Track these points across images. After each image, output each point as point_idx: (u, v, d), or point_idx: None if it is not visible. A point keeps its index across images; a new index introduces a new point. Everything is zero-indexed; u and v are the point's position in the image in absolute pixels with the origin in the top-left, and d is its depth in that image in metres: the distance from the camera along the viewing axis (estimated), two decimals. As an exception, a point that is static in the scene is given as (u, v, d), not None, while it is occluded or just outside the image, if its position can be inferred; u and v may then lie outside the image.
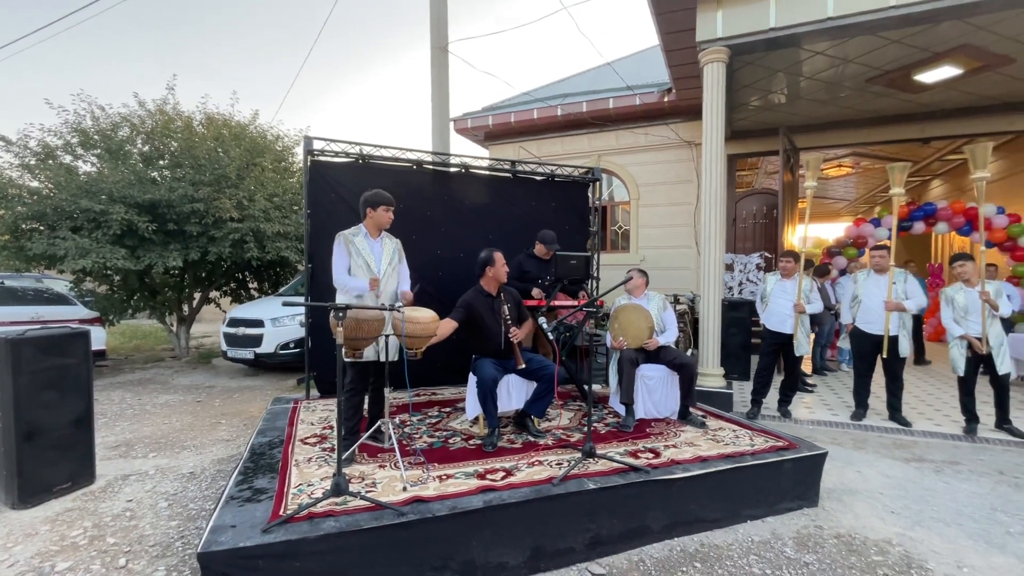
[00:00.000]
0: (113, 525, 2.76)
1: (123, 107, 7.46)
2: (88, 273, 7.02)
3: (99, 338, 7.04)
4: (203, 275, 8.04)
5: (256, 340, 6.64)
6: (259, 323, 6.68)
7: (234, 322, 6.85)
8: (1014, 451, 4.03)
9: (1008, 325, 5.77)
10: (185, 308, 8.55)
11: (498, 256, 3.43)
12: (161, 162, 7.39)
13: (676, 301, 4.93)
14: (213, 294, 8.86)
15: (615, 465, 2.74)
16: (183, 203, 6.68)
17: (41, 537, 2.62)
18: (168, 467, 3.63)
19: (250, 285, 9.21)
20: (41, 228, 6.74)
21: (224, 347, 6.89)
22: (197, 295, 8.59)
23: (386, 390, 2.89)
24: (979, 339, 4.18)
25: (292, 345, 6.66)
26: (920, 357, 7.23)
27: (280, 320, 6.69)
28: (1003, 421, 4.34)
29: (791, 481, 2.99)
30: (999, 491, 3.28)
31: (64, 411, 3.11)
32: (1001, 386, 4.27)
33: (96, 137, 7.18)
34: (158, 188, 6.71)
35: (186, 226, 6.86)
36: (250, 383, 6.56)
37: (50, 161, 7.01)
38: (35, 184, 6.93)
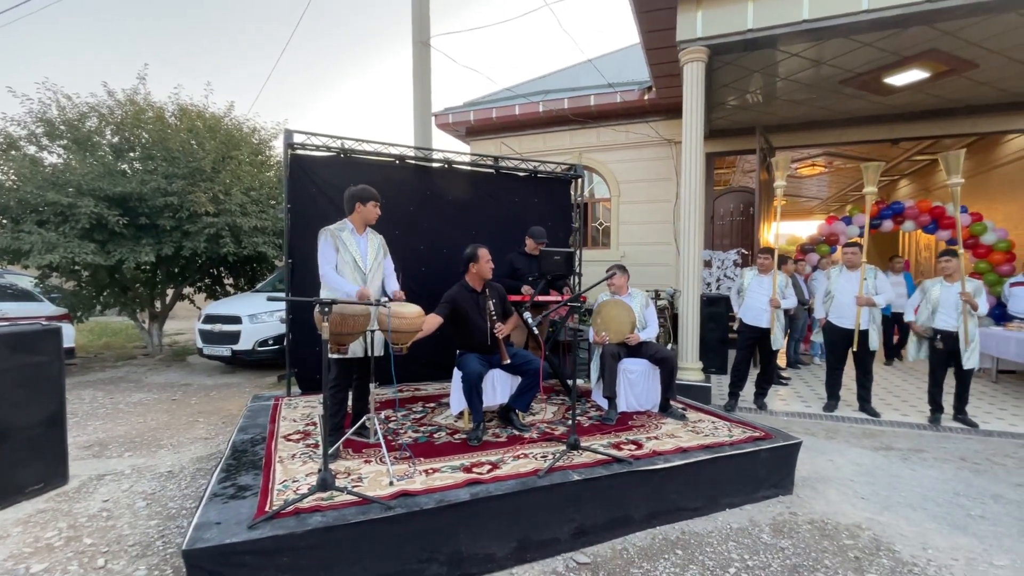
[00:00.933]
0: (89, 526, 2.70)
1: (91, 96, 7.21)
2: (55, 268, 6.78)
3: (67, 335, 6.80)
4: (176, 271, 7.84)
5: (233, 337, 6.51)
6: (236, 320, 6.55)
7: (210, 319, 6.71)
8: (975, 439, 4.23)
9: None
10: (158, 304, 8.33)
11: (482, 252, 3.44)
12: (132, 154, 7.17)
13: (657, 296, 5.02)
14: (187, 290, 8.65)
15: (599, 457, 2.79)
16: (156, 196, 6.50)
17: (13, 539, 2.55)
18: (145, 466, 3.55)
19: (225, 281, 9.01)
20: (4, 221, 6.49)
21: (200, 344, 6.74)
22: (170, 291, 8.37)
23: (372, 385, 2.88)
24: (940, 331, 4.41)
25: (271, 342, 6.56)
26: (891, 355, 7.45)
27: (258, 316, 6.57)
28: (959, 412, 4.54)
29: (767, 470, 3.09)
30: (961, 476, 3.45)
31: (35, 410, 3.02)
32: (964, 380, 4.47)
33: (62, 127, 6.93)
34: (129, 181, 6.51)
35: (159, 220, 6.68)
36: (227, 380, 6.43)
37: (13, 152, 6.74)
38: (-3, 176, 6.66)
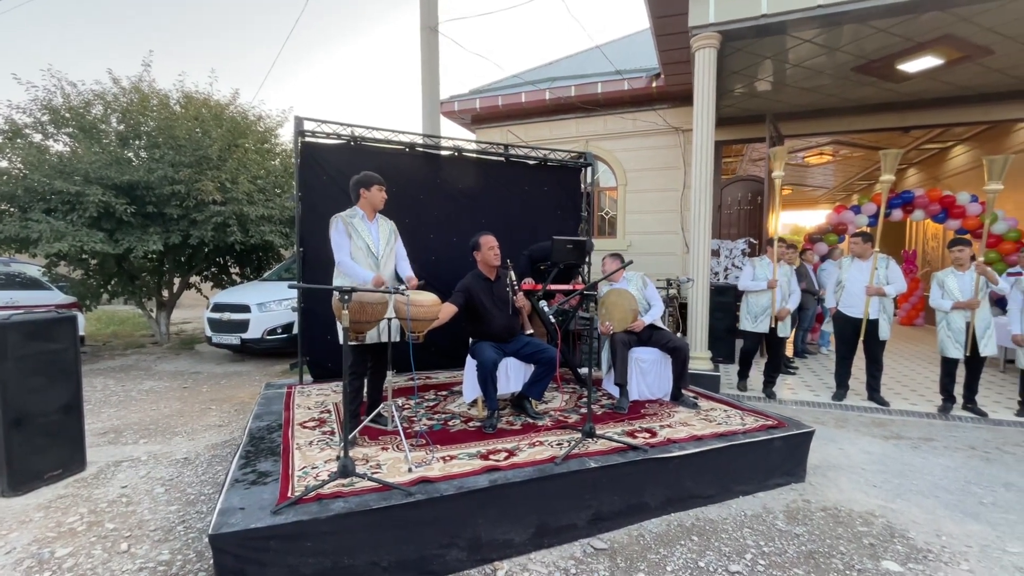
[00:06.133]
0: (110, 511, 2.73)
1: (96, 84, 7.18)
2: (63, 257, 6.79)
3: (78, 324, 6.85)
4: (183, 259, 7.85)
5: (242, 326, 6.54)
6: (245, 308, 6.57)
7: (218, 307, 6.73)
8: (984, 428, 4.24)
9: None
10: (165, 293, 8.35)
11: (484, 240, 3.44)
12: (137, 142, 7.15)
13: (668, 285, 5.06)
14: (194, 279, 8.68)
15: (614, 444, 2.80)
16: (163, 185, 6.49)
17: (36, 524, 2.58)
18: (161, 453, 3.59)
19: (232, 270, 9.03)
20: (12, 210, 6.49)
21: (208, 333, 6.77)
22: (177, 280, 8.39)
23: (389, 373, 2.89)
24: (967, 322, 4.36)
25: (279, 330, 6.58)
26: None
27: (267, 305, 6.59)
28: (969, 400, 4.55)
29: (780, 458, 3.11)
30: (971, 465, 3.46)
31: (52, 397, 3.05)
32: (977, 368, 4.47)
33: (67, 115, 6.90)
34: (136, 169, 6.50)
35: (166, 209, 6.68)
36: (237, 369, 6.47)
37: (19, 140, 6.72)
38: (3, 164, 6.64)
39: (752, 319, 4.97)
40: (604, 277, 3.85)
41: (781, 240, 5.01)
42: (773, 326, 4.86)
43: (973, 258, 4.38)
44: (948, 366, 4.52)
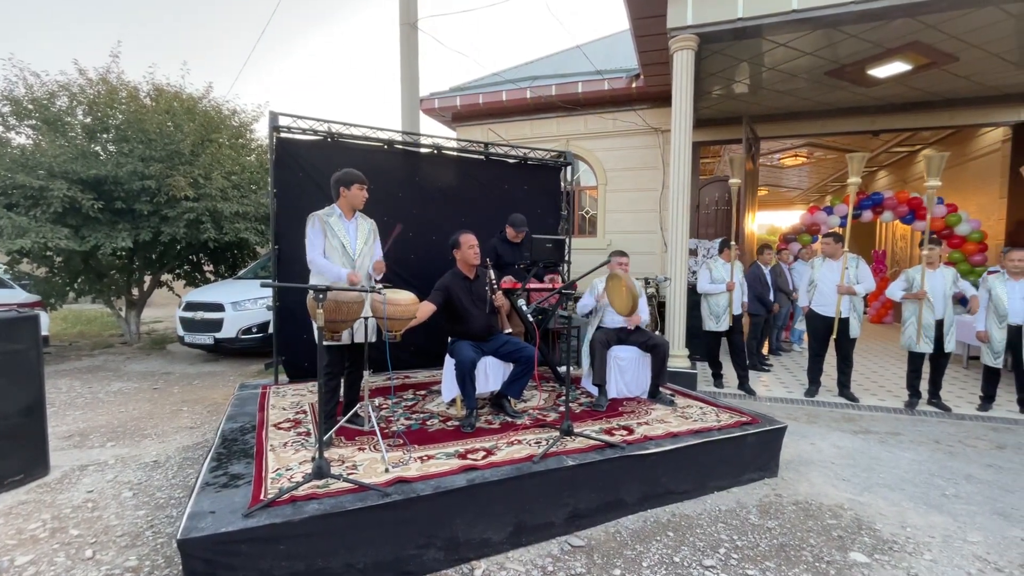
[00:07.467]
0: (75, 516, 2.64)
1: (61, 75, 6.93)
2: (26, 254, 6.54)
3: (41, 323, 6.61)
4: (154, 257, 7.63)
5: (216, 325, 6.39)
6: (219, 307, 6.43)
7: (191, 306, 6.56)
8: (948, 423, 4.39)
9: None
10: (135, 292, 8.11)
11: (464, 239, 3.42)
12: (105, 135, 6.92)
13: (647, 284, 5.14)
14: (165, 277, 8.44)
15: (592, 442, 2.82)
16: (132, 180, 6.30)
17: (-5, 532, 2.48)
18: (129, 456, 3.49)
19: (205, 268, 8.82)
20: (-30, 205, 6.22)
21: (180, 332, 6.60)
22: (148, 278, 8.16)
23: (366, 373, 2.86)
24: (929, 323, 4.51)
25: (255, 330, 6.45)
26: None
27: (241, 304, 6.45)
28: (934, 396, 4.71)
29: (754, 453, 3.17)
30: (936, 459, 3.58)
31: (13, 399, 2.94)
32: (941, 364, 4.63)
33: (30, 106, 6.65)
34: (103, 163, 6.29)
35: (136, 204, 6.49)
36: (210, 369, 6.32)
37: (-23, 132, 6.45)
38: (-39, 157, 6.36)
39: (715, 320, 5.14)
40: (595, 268, 3.76)
41: (736, 242, 5.27)
42: (732, 324, 5.07)
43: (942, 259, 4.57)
44: (914, 362, 4.68)
